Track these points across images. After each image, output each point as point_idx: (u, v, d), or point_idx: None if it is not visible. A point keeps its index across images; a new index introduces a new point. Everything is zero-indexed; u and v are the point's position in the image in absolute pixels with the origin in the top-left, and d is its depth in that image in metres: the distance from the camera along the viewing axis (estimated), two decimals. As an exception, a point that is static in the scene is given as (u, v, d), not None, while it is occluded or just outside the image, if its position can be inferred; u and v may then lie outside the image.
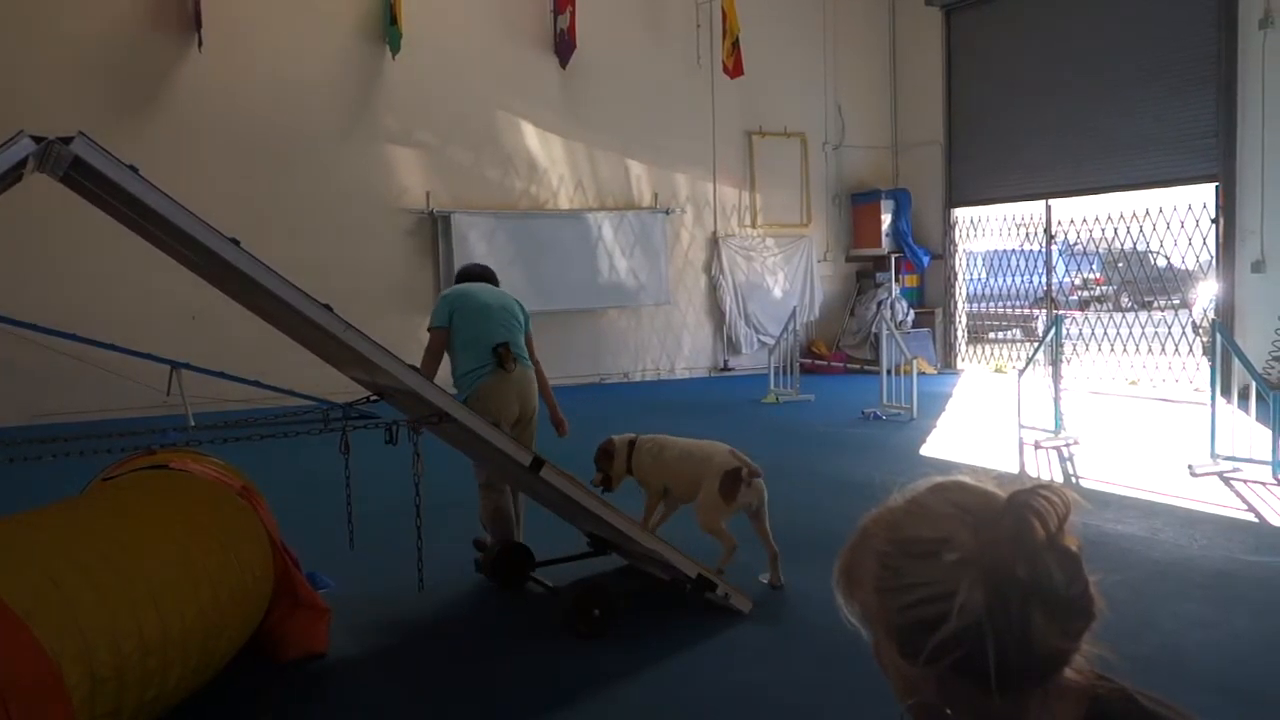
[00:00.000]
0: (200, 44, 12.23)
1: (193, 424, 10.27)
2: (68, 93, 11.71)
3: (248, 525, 4.11)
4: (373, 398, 5.21)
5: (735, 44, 14.20)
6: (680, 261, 15.35)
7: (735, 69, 14.30)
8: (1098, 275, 19.44)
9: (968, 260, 16.08)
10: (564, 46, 14.03)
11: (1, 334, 11.53)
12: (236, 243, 3.82)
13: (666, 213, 14.94)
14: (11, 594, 2.89)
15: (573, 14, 13.83)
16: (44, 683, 2.78)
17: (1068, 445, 8.87)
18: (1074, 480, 7.71)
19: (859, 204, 16.38)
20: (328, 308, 4.02)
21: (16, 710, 2.69)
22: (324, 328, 4.02)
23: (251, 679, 4.14)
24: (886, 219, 15.99)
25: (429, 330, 5.59)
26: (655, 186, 15.01)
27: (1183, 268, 13.75)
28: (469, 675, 4.30)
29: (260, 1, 12.69)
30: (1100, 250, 15.82)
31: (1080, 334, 14.25)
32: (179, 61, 12.41)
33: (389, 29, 13.04)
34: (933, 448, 9.18)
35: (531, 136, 14.29)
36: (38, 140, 3.43)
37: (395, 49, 13.04)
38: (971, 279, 16.11)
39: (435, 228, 13.60)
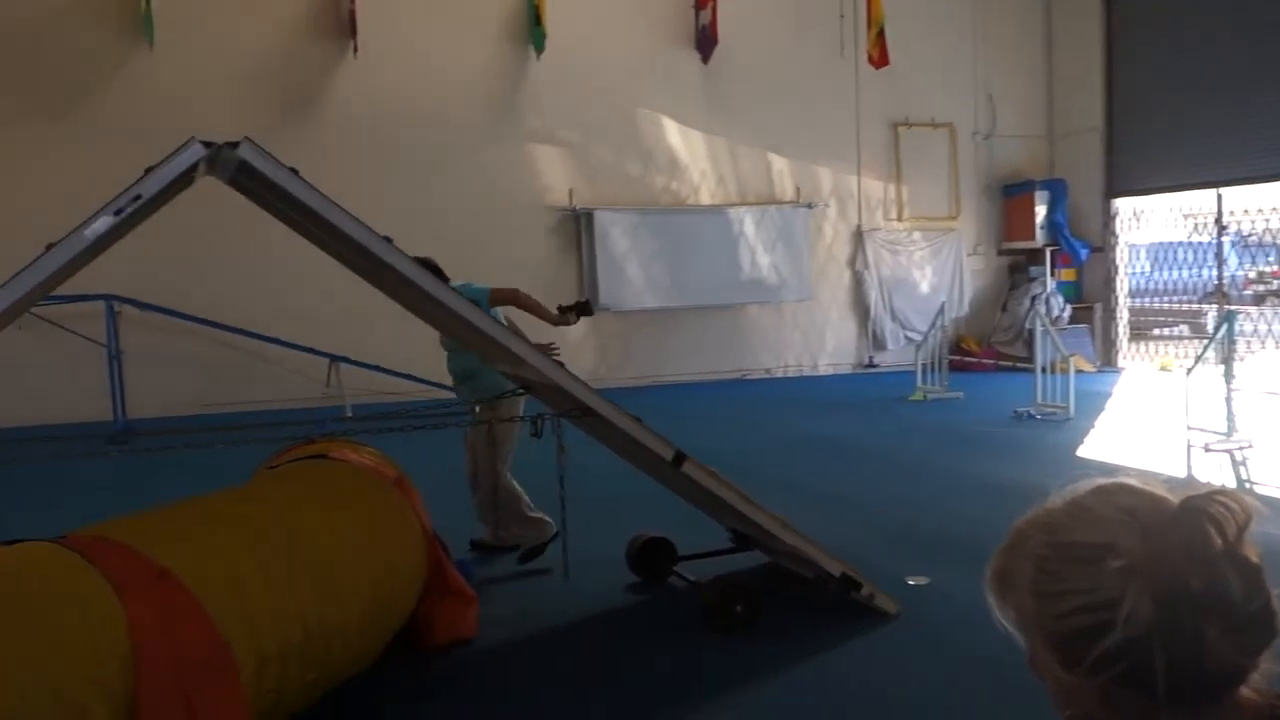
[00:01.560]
0: (355, 50, 12.68)
1: (350, 415, 10.69)
2: (234, 100, 12.29)
3: (401, 514, 4.24)
4: (519, 391, 5.31)
5: (880, 33, 13.92)
6: (823, 256, 15.16)
7: (880, 59, 14.02)
8: (1275, 268, 18.36)
9: (1130, 253, 15.39)
10: (706, 42, 14.02)
11: (177, 328, 12.21)
12: (389, 241, 3.95)
13: (809, 207, 14.76)
14: (186, 572, 3.06)
15: (714, 9, 13.80)
16: (216, 659, 2.93)
17: (1241, 449, 8.38)
18: (1248, 486, 7.30)
19: (1011, 195, 15.85)
20: (475, 304, 4.12)
21: (192, 683, 2.84)
22: (471, 323, 4.12)
23: (403, 663, 4.27)
24: (1041, 211, 15.42)
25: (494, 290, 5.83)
26: (798, 180, 14.85)
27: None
28: (610, 666, 4.35)
29: (411, 9, 13.07)
30: (1278, 242, 14.93)
31: (1255, 330, 13.48)
32: (335, 68, 12.90)
33: (533, 30, 13.26)
34: (1091, 449, 8.83)
35: (673, 132, 14.32)
36: (207, 146, 3.62)
37: (539, 49, 13.25)
38: (1134, 273, 15.40)
39: (578, 225, 13.77)
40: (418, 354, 10.91)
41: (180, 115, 11.11)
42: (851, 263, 15.36)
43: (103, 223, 3.43)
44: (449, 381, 11.55)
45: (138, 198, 3.49)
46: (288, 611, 3.26)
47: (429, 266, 6.20)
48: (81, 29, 12.15)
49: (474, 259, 12.43)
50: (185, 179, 3.82)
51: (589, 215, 13.63)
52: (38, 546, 3.08)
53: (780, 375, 14.82)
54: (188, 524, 3.50)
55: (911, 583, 5.17)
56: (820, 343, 15.26)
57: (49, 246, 3.40)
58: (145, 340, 12.10)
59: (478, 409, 5.59)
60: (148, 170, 3.55)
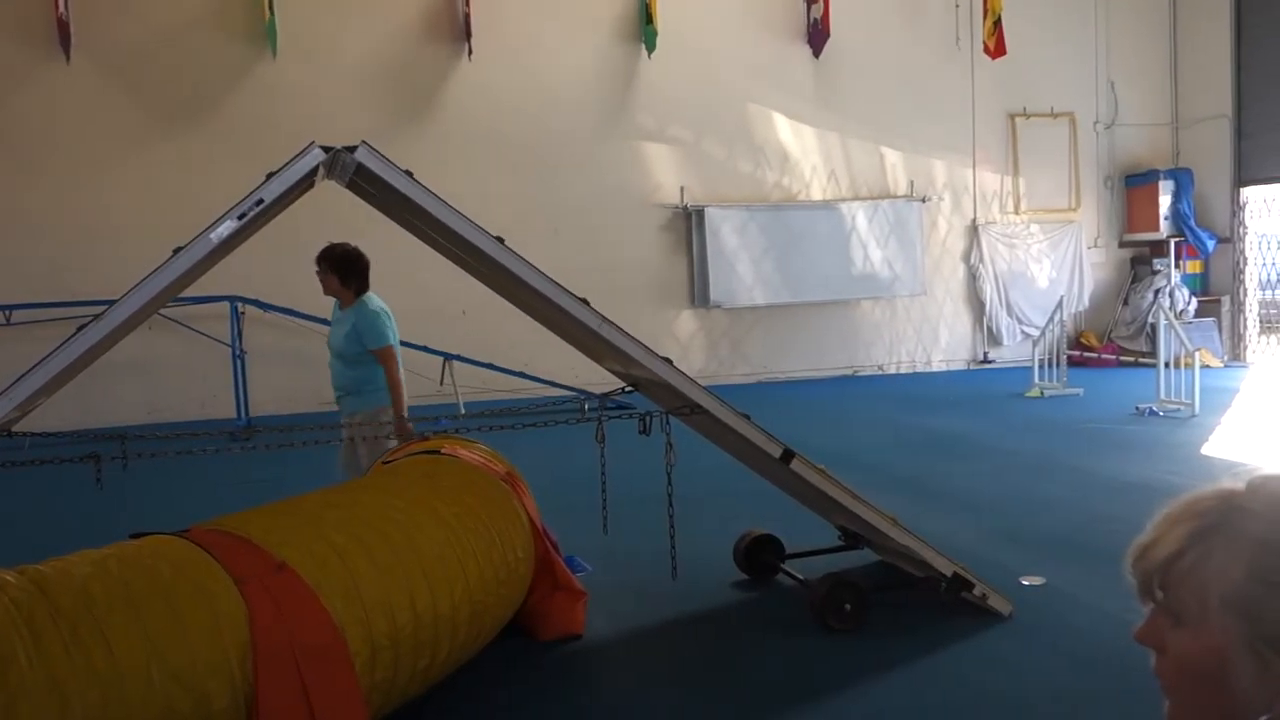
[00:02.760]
0: (469, 53, 12.91)
1: (463, 412, 10.89)
2: (352, 106, 12.63)
3: (511, 509, 4.31)
4: (628, 389, 5.34)
5: (997, 22, 13.57)
6: (937, 250, 14.87)
7: (997, 49, 13.67)
8: None
9: (1260, 244, 14.71)
10: (817, 36, 13.87)
11: (296, 328, 12.60)
12: (501, 241, 4.02)
13: (923, 201, 14.49)
14: (302, 564, 3.17)
15: (826, 2, 13.65)
16: (331, 646, 3.03)
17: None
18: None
19: (1134, 186, 15.30)
20: (585, 302, 4.16)
21: (309, 671, 2.94)
22: (582, 322, 4.16)
23: (512, 655, 4.34)
24: (1165, 201, 14.85)
25: (390, 347, 5.69)
26: (911, 174, 14.59)
27: None
28: (718, 664, 4.34)
29: (523, 10, 13.24)
30: None
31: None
32: (450, 71, 13.15)
33: (644, 29, 13.32)
34: (1217, 446, 8.47)
35: (784, 128, 14.22)
36: (326, 150, 3.73)
37: (651, 48, 13.30)
38: (1265, 264, 14.73)
39: (689, 222, 13.77)
40: (530, 352, 11.08)
41: (300, 121, 11.46)
42: (966, 257, 15.03)
43: (227, 226, 3.56)
44: (562, 379, 11.66)
45: (260, 202, 3.62)
46: (399, 601, 3.34)
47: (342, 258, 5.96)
48: (209, 42, 12.62)
49: (586, 257, 12.60)
50: (305, 183, 3.95)
51: (700, 212, 13.62)
52: (164, 540, 3.22)
53: (893, 371, 14.59)
54: (305, 518, 3.62)
55: (1026, 583, 5.04)
56: (934, 338, 14.97)
57: (176, 250, 3.55)
58: (267, 339, 12.52)
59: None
60: (269, 175, 3.68)
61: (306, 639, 2.98)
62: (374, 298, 5.86)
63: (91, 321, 3.43)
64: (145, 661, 2.71)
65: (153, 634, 2.76)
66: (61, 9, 11.92)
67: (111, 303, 3.50)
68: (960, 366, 14.92)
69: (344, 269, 5.76)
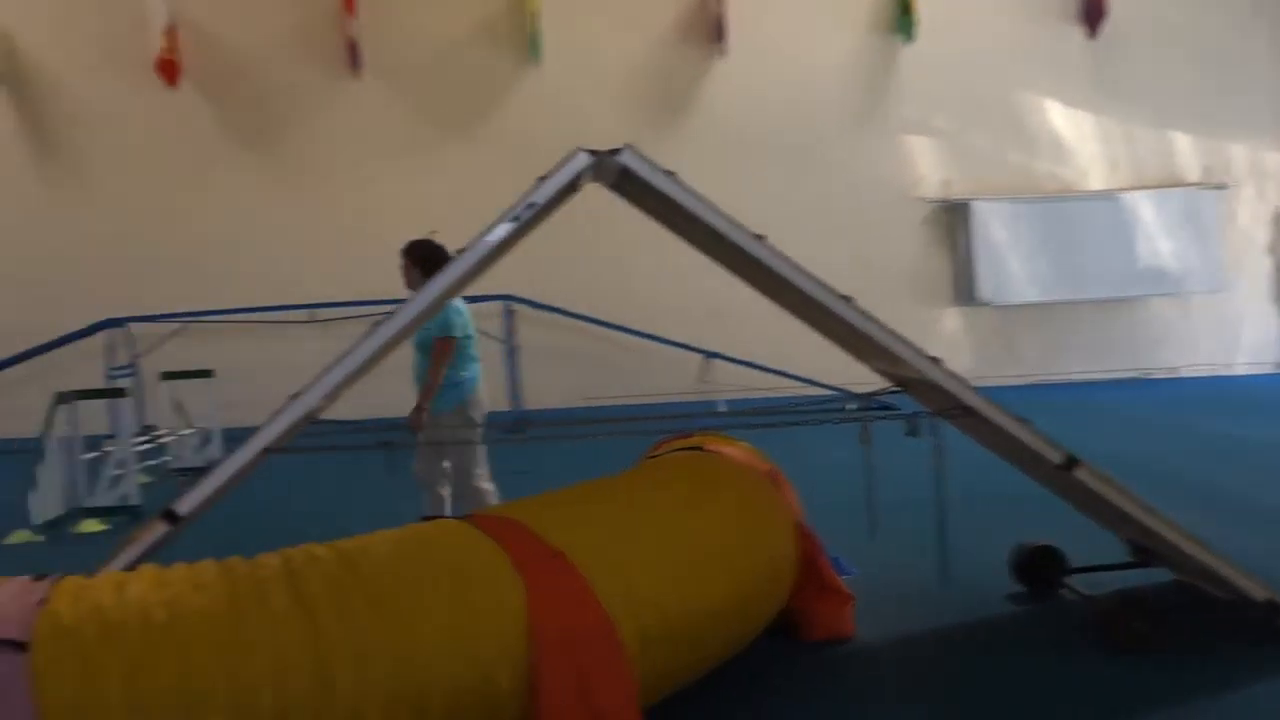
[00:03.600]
0: (725, 52, 12.98)
1: (723, 410, 10.97)
2: (614, 109, 12.98)
3: (774, 508, 4.28)
4: (894, 389, 5.19)
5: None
6: (1238, 242, 13.64)
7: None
8: None
9: None
10: (1092, 13, 13.04)
11: (565, 325, 13.08)
12: (762, 239, 3.99)
13: (1219, 188, 13.33)
14: (575, 553, 3.26)
15: (1104, -21, 12.83)
16: (605, 638, 3.11)
17: None
18: None
19: None
20: (847, 299, 4.07)
21: (584, 660, 3.02)
22: (845, 320, 4.07)
23: (777, 655, 4.30)
24: None
25: (449, 340, 5.75)
26: (1204, 159, 13.46)
27: None
28: (990, 678, 4.14)
29: (778, 6, 13.19)
30: None
31: None
32: (706, 71, 13.28)
33: (901, 18, 12.96)
34: None
35: (1056, 114, 13.46)
36: (592, 154, 3.84)
37: (909, 37, 12.93)
38: None
39: (953, 216, 13.28)
40: (790, 351, 11.00)
41: (565, 126, 11.85)
42: (1273, 249, 13.71)
43: (502, 229, 3.73)
44: (822, 378, 11.51)
45: (532, 205, 3.77)
46: (667, 595, 3.38)
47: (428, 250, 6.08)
48: (480, 54, 13.31)
49: (846, 252, 12.37)
50: (572, 186, 4.07)
51: (965, 206, 13.11)
52: (452, 523, 3.41)
53: (1188, 375, 13.50)
54: (577, 508, 3.73)
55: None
56: (1235, 338, 13.75)
57: (458, 252, 3.75)
58: (537, 336, 13.06)
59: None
60: (540, 180, 3.82)
61: (581, 629, 3.07)
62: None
63: (385, 318, 3.68)
64: (436, 636, 2.89)
65: (443, 611, 2.94)
66: (351, 30, 12.86)
67: (400, 302, 3.74)
68: (1268, 369, 13.63)
69: (425, 262, 5.87)
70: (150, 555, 3.58)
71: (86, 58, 13.40)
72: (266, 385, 12.09)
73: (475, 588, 3.04)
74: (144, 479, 8.86)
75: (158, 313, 12.74)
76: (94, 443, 8.72)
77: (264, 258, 12.99)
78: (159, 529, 3.58)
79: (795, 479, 4.85)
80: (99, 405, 9.53)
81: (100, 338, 12.70)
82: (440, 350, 5.76)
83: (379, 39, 13.15)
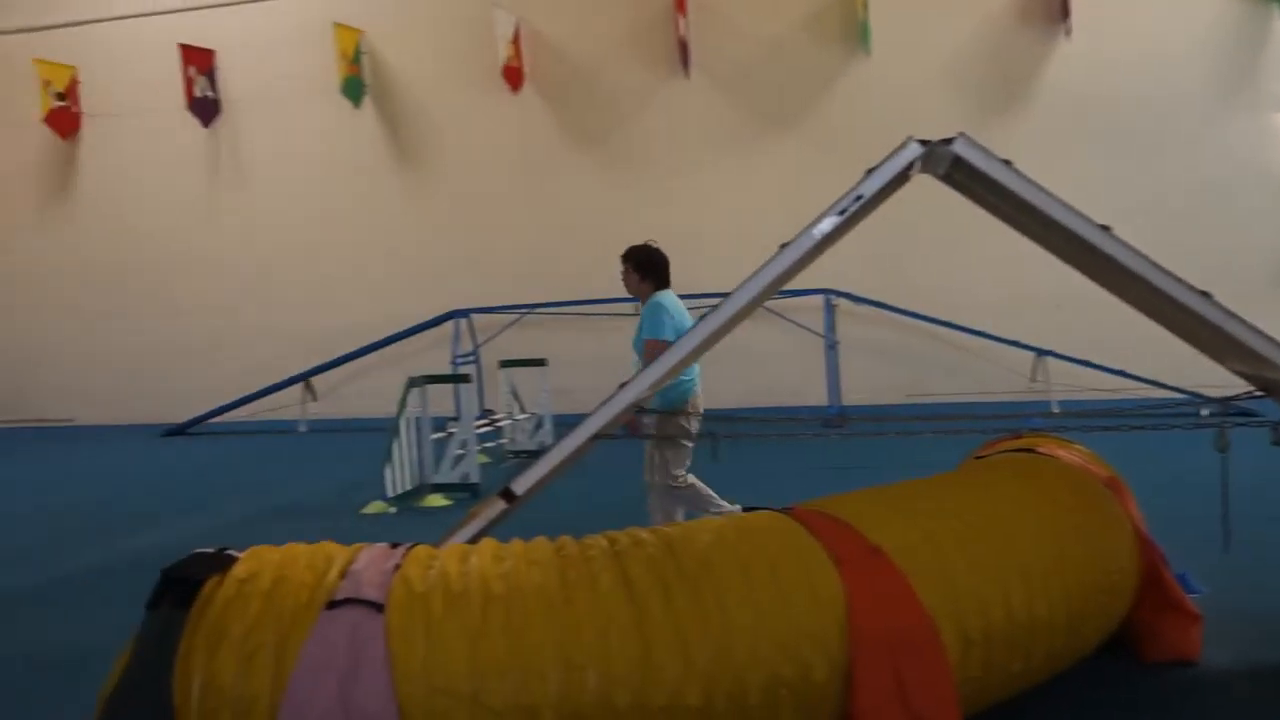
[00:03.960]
0: (1068, 32, 12.20)
1: (1056, 410, 10.35)
2: (945, 97, 12.56)
3: (1112, 516, 3.99)
4: (1256, 393, 4.69)
5: None
6: None
7: None
8: None
9: None
10: None
11: (886, 320, 12.82)
12: (1108, 230, 3.72)
13: None
14: (895, 551, 3.19)
15: None
16: (924, 638, 3.02)
17: None
18: None
19: None
20: (1206, 295, 3.72)
21: (903, 657, 2.95)
22: (1202, 317, 3.72)
23: (1113, 672, 4.01)
24: None
25: (659, 341, 5.67)
26: None
27: None
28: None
29: (1130, -23, 12.27)
30: None
31: None
32: (1047, 52, 12.55)
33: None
34: None
35: None
36: (923, 144, 3.72)
37: (1285, 3, 11.65)
38: None
39: (1335, 201, 11.86)
40: (1131, 350, 10.21)
41: (894, 116, 11.61)
42: None
43: (828, 223, 3.69)
44: (1168, 379, 10.61)
45: (859, 198, 3.70)
46: (992, 597, 3.25)
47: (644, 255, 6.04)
48: (807, 48, 13.27)
49: (1201, 242, 11.33)
50: (901, 177, 3.96)
51: (1347, 189, 11.66)
52: (771, 515, 3.43)
53: None
54: (897, 506, 3.64)
55: None
56: None
57: (782, 247, 3.75)
58: (857, 331, 12.88)
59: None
60: (868, 171, 3.75)
61: (900, 628, 3.00)
62: (667, 294, 6.02)
63: (710, 312, 3.75)
64: (754, 626, 2.92)
65: (761, 601, 2.97)
66: (682, 31, 13.21)
67: (724, 295, 3.79)
68: None
69: (643, 266, 6.00)
70: (488, 530, 3.84)
71: (441, 69, 14.60)
72: (595, 374, 12.72)
73: (793, 580, 3.04)
74: (483, 459, 9.52)
75: (498, 305, 13.67)
76: (440, 424, 9.47)
77: (596, 253, 13.59)
78: (497, 506, 3.83)
79: (1136, 487, 4.50)
80: (445, 389, 10.36)
81: (447, 327, 13.81)
82: (650, 351, 5.79)
83: (708, 38, 13.43)
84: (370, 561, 3.11)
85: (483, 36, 13.94)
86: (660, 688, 2.81)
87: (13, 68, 15.67)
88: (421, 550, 3.24)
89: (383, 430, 8.83)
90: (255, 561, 3.10)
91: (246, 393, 14.37)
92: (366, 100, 14.61)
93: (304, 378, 14.24)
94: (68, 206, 16.22)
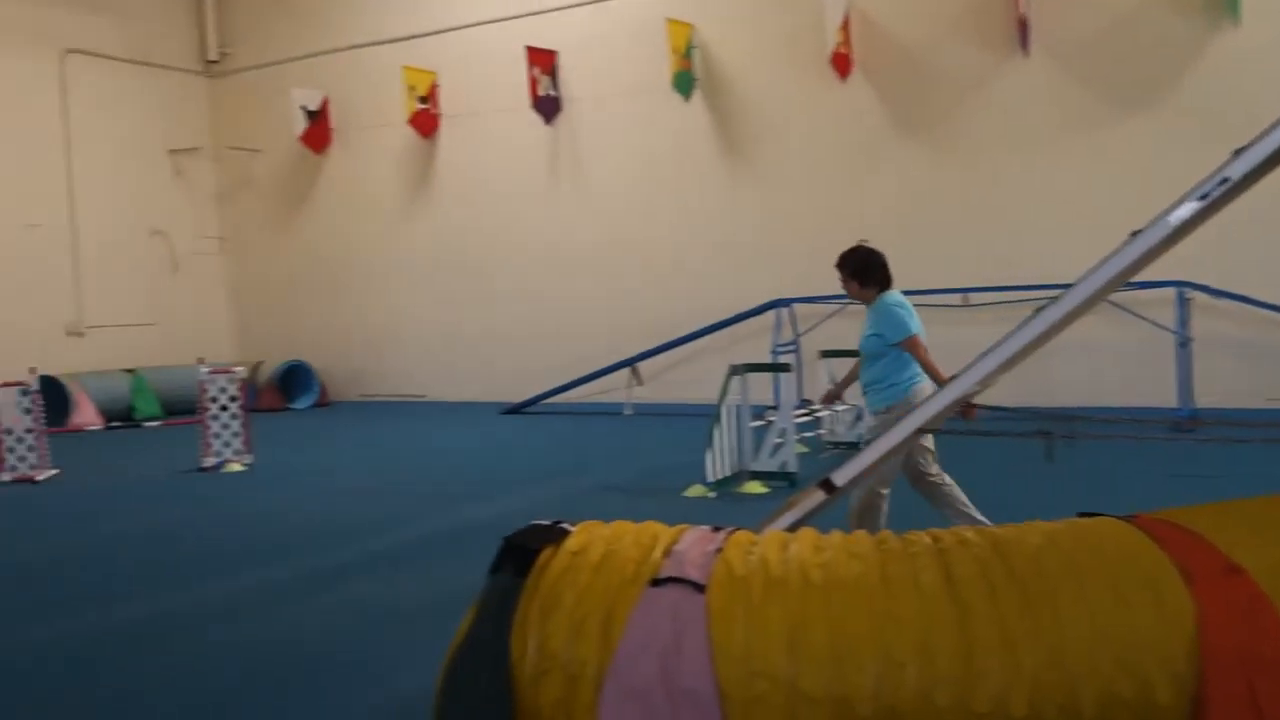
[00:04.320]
0: None
1: None
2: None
3: None
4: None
5: None
6: None
7: None
8: None
9: None
10: None
11: (1250, 316, 11.62)
12: None
13: None
14: (1256, 571, 2.89)
15: None
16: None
17: None
18: None
19: None
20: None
21: (1262, 683, 2.68)
22: None
23: None
24: None
25: (915, 336, 5.84)
26: None
27: None
28: None
29: None
30: None
31: None
32: None
33: None
34: None
35: None
36: (1307, 121, 3.33)
37: None
38: None
39: None
40: None
41: (1267, 92, 10.53)
42: None
43: (1187, 209, 3.39)
44: None
45: (1225, 180, 3.37)
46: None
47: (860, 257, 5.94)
48: (1163, 19, 12.26)
49: None
50: (1276, 159, 3.57)
51: None
52: (1112, 522, 3.21)
53: None
54: (1259, 521, 3.29)
55: None
56: None
57: (1134, 234, 3.48)
58: (1215, 328, 11.78)
59: None
60: (1236, 152, 3.41)
61: (1263, 650, 2.72)
62: (893, 293, 6.01)
63: (1049, 303, 3.55)
64: (1089, 636, 2.74)
65: (1097, 612, 2.78)
66: (1022, 8, 12.57)
67: (1064, 286, 3.58)
68: None
69: (862, 271, 5.97)
70: (806, 520, 3.83)
71: (768, 59, 14.71)
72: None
73: (1136, 591, 2.82)
74: (800, 449, 9.53)
75: (820, 294, 13.63)
76: (759, 412, 9.56)
77: (921, 241, 13.29)
78: (816, 497, 3.82)
79: None
80: (765, 378, 10.44)
81: (769, 316, 13.91)
82: (913, 347, 5.85)
83: (1050, 15, 12.72)
84: (693, 543, 3.19)
85: (810, 25, 13.90)
86: (983, 691, 2.70)
87: (384, 75, 17.31)
88: (742, 535, 3.28)
89: (704, 416, 9.03)
90: (586, 535, 3.27)
91: (578, 376, 15.15)
92: (696, 93, 14.95)
93: (631, 363, 14.82)
94: (426, 198, 17.73)
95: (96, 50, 17.57)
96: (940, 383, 5.69)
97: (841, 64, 13.79)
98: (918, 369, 5.96)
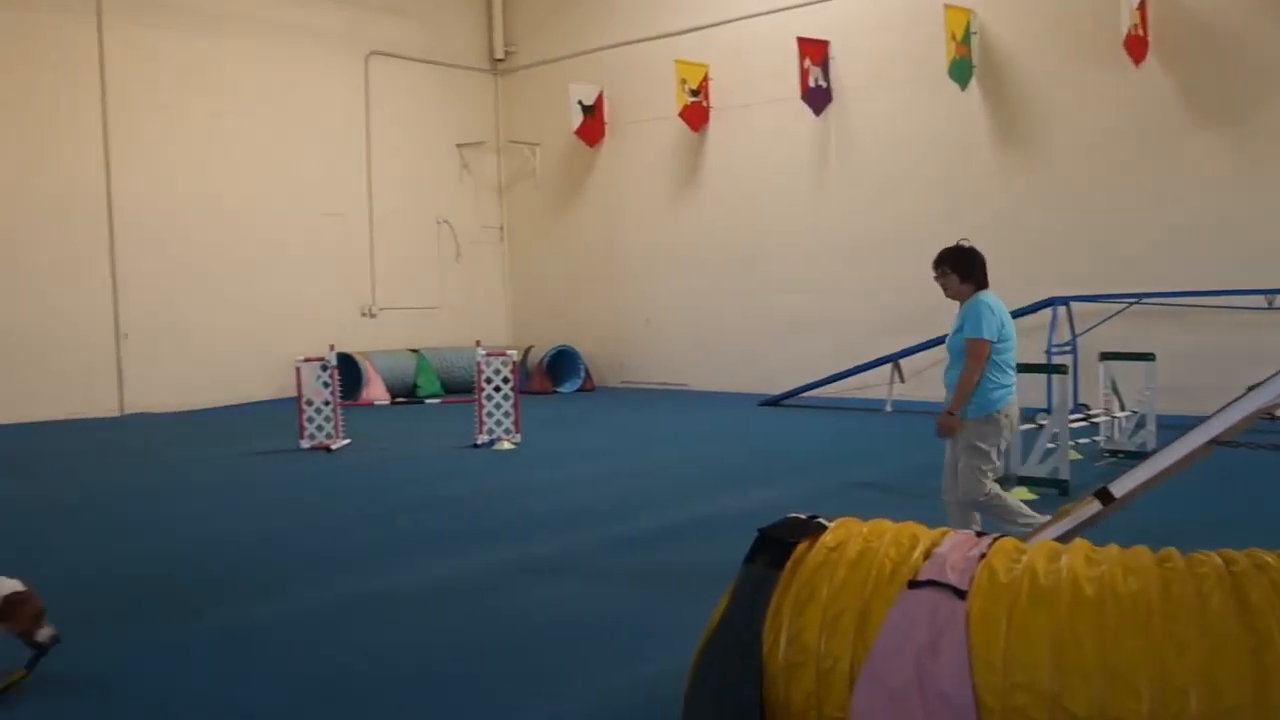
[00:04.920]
0: None
1: None
2: None
3: None
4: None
5: None
6: None
7: None
8: None
9: None
10: None
11: None
12: None
13: None
14: None
15: None
16: None
17: None
18: None
19: None
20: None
21: None
22: None
23: None
24: None
25: (983, 341, 5.70)
26: None
27: None
28: None
29: None
30: None
31: None
32: None
33: None
34: None
35: None
36: None
37: None
38: None
39: None
40: None
41: None
42: None
43: None
44: None
45: None
46: None
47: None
48: None
49: None
50: None
51: None
52: None
53: None
54: None
55: None
56: None
57: None
58: None
59: None
60: None
61: None
62: (989, 294, 5.93)
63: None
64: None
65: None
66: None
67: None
68: None
69: (964, 266, 5.93)
70: (1079, 531, 3.64)
71: (1055, 44, 13.95)
72: (1209, 372, 11.51)
73: None
74: (1074, 455, 9.03)
75: (1102, 293, 12.82)
76: (1029, 415, 9.12)
77: (1222, 239, 12.27)
78: (1092, 507, 3.63)
79: None
80: (1037, 379, 9.95)
81: (1044, 314, 13.23)
82: (972, 351, 5.72)
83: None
84: (955, 546, 3.10)
85: (1102, 5, 13.08)
86: (1279, 729, 2.49)
87: (655, 70, 17.68)
88: (1008, 542, 3.16)
89: (970, 417, 8.71)
90: (844, 531, 3.24)
91: (838, 370, 14.97)
92: (972, 81, 14.41)
93: (894, 358, 14.50)
94: (694, 189, 17.99)
95: (396, 52, 18.89)
96: (962, 393, 5.68)
97: (1136, 47, 12.88)
98: (1012, 378, 5.88)
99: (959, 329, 5.93)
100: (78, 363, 15.12)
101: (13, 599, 4.35)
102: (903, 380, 14.49)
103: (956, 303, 6.11)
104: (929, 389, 14.45)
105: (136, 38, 15.65)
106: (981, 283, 6.05)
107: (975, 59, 14.38)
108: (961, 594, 2.91)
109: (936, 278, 6.15)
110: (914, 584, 2.95)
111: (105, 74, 15.40)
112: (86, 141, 15.28)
